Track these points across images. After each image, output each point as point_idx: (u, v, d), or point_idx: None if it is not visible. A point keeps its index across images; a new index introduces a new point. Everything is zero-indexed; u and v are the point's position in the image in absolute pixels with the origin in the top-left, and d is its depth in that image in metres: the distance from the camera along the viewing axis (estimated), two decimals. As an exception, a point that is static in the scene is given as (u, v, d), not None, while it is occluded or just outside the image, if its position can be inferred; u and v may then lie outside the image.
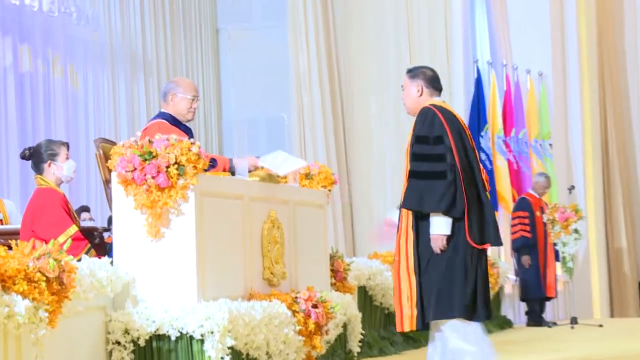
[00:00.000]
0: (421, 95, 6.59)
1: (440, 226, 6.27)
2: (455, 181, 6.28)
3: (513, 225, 13.31)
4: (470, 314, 6.29)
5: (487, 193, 6.52)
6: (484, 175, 6.51)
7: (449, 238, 6.28)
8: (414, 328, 6.31)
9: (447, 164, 6.32)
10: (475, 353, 6.29)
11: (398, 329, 6.37)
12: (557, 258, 13.11)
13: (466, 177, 6.35)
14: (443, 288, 6.27)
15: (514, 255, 13.28)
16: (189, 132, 6.97)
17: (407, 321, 6.31)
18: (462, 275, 6.29)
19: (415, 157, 6.41)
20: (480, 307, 6.32)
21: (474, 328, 6.35)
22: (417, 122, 6.47)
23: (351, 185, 14.83)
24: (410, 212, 6.38)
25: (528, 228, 13.03)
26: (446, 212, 6.24)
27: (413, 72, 6.68)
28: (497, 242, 6.51)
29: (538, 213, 13.07)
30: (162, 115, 7.07)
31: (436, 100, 6.59)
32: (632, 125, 18.38)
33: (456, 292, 6.27)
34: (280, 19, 15.76)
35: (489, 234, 6.43)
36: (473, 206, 6.37)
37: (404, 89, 6.70)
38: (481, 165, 6.55)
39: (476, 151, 6.57)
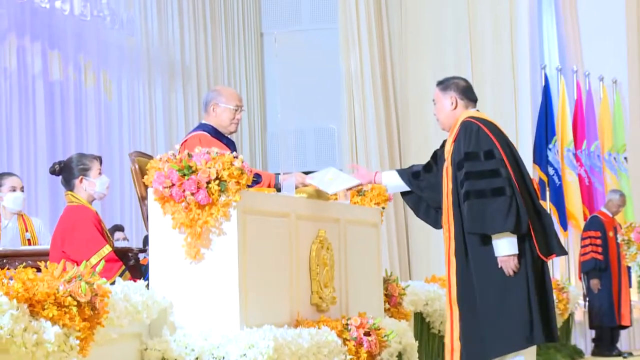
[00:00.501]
0: (455, 108, 6.70)
1: (508, 246, 6.31)
2: (515, 195, 6.31)
3: (583, 247, 13.22)
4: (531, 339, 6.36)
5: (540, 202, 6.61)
6: (536, 185, 6.65)
7: (519, 257, 6.32)
8: None
9: (503, 178, 6.37)
10: None
11: None
12: (631, 283, 13.01)
13: (522, 189, 6.39)
14: (501, 320, 6.34)
15: (584, 279, 13.19)
16: (231, 145, 6.99)
17: (456, 355, 6.42)
18: (525, 298, 6.34)
19: (468, 175, 6.44)
20: (540, 327, 6.33)
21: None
22: (462, 138, 6.53)
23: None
24: (452, 237, 6.49)
25: (600, 249, 12.95)
26: (514, 230, 6.26)
27: (444, 84, 6.79)
28: (562, 252, 6.59)
29: (611, 233, 12.98)
30: (202, 127, 7.10)
31: (473, 112, 6.68)
32: None
33: (517, 321, 6.33)
34: (330, 21, 15.80)
35: (553, 244, 6.48)
36: (533, 219, 6.41)
37: (435, 102, 6.79)
38: (531, 176, 6.65)
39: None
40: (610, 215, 13.29)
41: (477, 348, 6.42)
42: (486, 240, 6.40)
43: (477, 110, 6.75)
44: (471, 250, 6.45)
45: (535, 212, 6.48)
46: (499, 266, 6.36)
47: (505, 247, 6.32)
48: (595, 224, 13.19)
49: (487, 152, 6.46)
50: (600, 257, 12.93)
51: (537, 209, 6.50)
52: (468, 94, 6.76)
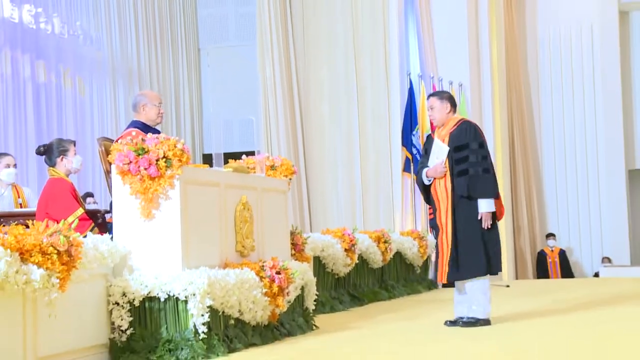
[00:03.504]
0: (449, 112, 7.19)
1: (488, 206, 6.98)
2: (494, 172, 7.07)
3: (430, 208, 13.28)
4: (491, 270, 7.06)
5: None
6: None
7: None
8: (445, 281, 7.12)
9: (489, 161, 7.04)
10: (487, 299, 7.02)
11: (438, 280, 7.14)
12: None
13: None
14: (484, 253, 6.98)
15: (432, 232, 13.27)
16: (157, 134, 6.87)
17: (443, 276, 7.05)
18: (496, 240, 7.05)
19: (467, 158, 6.99)
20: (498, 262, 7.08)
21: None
22: (463, 131, 7.05)
23: (308, 175, 14.82)
24: (449, 199, 7.00)
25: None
26: (496, 196, 7.01)
27: (440, 96, 7.37)
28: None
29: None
30: (134, 123, 6.93)
31: (460, 116, 7.31)
32: (533, 126, 18.55)
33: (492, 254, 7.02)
34: (250, 39, 15.76)
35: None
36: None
37: (432, 108, 7.28)
38: None
39: None
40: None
41: (457, 271, 7.03)
42: (470, 202, 6.97)
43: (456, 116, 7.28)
44: (458, 209, 7.01)
45: None
46: (479, 218, 6.94)
47: (487, 206, 6.97)
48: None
49: (480, 143, 7.03)
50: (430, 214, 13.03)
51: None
52: (455, 104, 7.29)
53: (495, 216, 7.06)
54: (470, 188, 6.95)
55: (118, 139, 6.71)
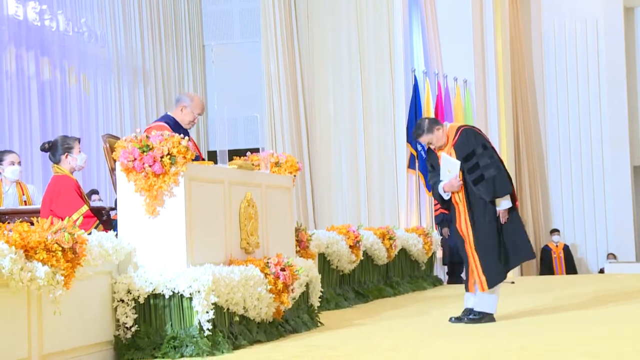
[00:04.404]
0: (442, 130, 7.13)
1: (506, 203, 7.06)
2: (504, 169, 7.10)
3: (435, 204, 13.29)
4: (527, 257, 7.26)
5: None
6: None
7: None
8: (488, 288, 7.03)
9: (495, 160, 7.07)
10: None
11: (480, 290, 7.06)
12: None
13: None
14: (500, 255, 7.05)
15: (438, 228, 13.28)
16: (186, 134, 6.89)
17: (484, 285, 7.01)
18: (519, 228, 7.16)
19: (477, 165, 7.03)
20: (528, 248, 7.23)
21: None
22: (464, 139, 7.08)
23: (312, 171, 14.82)
24: (466, 208, 7.06)
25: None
26: (511, 192, 7.11)
27: (424, 130, 7.16)
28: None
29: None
30: (166, 117, 7.01)
31: (454, 124, 7.43)
32: (537, 122, 18.54)
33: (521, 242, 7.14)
34: (255, 37, 15.75)
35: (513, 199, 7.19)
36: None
37: (431, 142, 7.31)
38: None
39: None
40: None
41: (495, 274, 7.03)
42: (486, 205, 7.03)
43: (452, 122, 7.62)
44: (476, 214, 7.06)
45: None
46: (497, 216, 7.02)
47: (505, 203, 7.04)
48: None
49: (483, 144, 7.09)
50: (446, 211, 13.01)
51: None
52: (436, 121, 7.29)
53: (513, 205, 7.17)
54: (492, 191, 7.03)
55: (149, 128, 6.72)
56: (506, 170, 7.16)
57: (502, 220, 7.04)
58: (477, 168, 7.04)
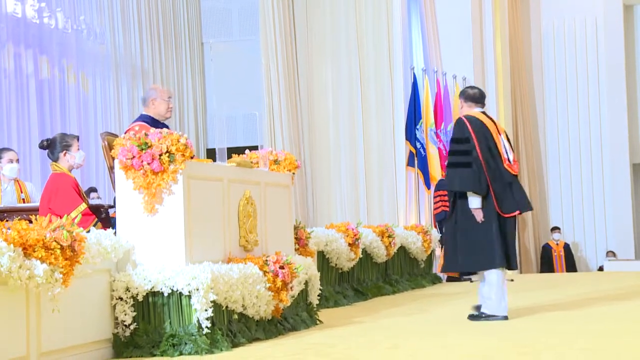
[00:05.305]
0: (462, 108, 7.32)
1: (474, 202, 6.99)
2: (479, 170, 6.96)
3: (435, 203, 13.28)
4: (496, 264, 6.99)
5: (513, 176, 7.16)
6: (506, 164, 7.12)
7: (483, 210, 6.99)
8: (441, 271, 7.47)
9: (473, 157, 6.99)
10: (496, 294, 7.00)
11: (441, 271, 7.49)
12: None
13: (491, 167, 7.00)
14: (481, 247, 6.99)
15: (437, 226, 13.25)
16: (166, 128, 6.89)
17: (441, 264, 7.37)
18: (494, 235, 6.97)
19: (450, 152, 7.19)
20: (501, 257, 6.97)
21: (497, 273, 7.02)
22: (453, 129, 7.25)
23: (312, 169, 14.82)
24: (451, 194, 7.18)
25: (447, 204, 13.01)
26: (475, 191, 6.97)
27: (460, 92, 7.44)
28: (526, 209, 7.21)
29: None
30: (142, 117, 7.01)
31: (473, 112, 7.23)
32: (536, 119, 18.54)
33: (489, 250, 6.99)
34: (254, 34, 15.73)
35: (510, 207, 7.05)
36: (500, 186, 7.03)
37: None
38: (505, 157, 7.14)
39: (500, 148, 7.15)
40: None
41: (454, 263, 7.17)
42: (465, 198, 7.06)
43: (481, 112, 7.26)
44: (459, 203, 7.11)
45: (505, 183, 7.06)
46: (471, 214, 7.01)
47: (473, 202, 6.99)
48: (444, 185, 13.24)
49: (465, 138, 7.05)
50: (448, 209, 12.99)
51: (505, 181, 7.07)
52: (471, 98, 7.28)
53: (483, 212, 7.02)
54: (449, 181, 7.20)
55: (128, 131, 6.71)
56: (479, 172, 7.02)
57: (477, 218, 7.00)
58: (455, 154, 7.13)
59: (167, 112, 7.02)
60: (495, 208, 7.00)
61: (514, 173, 7.16)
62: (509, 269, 7.18)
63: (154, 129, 6.00)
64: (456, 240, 7.12)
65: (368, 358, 5.39)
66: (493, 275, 7.02)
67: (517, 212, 7.12)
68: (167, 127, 6.95)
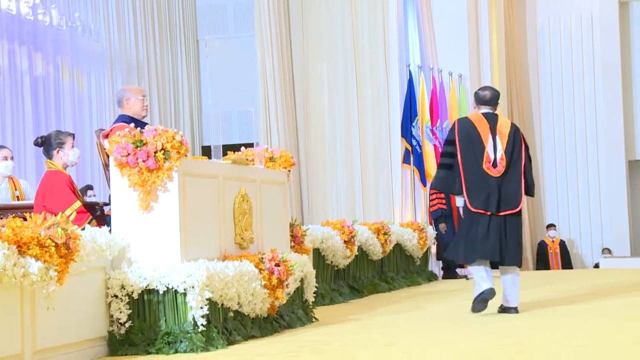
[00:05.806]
0: (474, 109, 7.50)
1: (458, 200, 7.34)
2: (457, 170, 7.14)
3: (431, 200, 13.27)
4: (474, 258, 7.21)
5: (493, 176, 7.22)
6: (486, 166, 7.22)
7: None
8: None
9: (453, 159, 7.20)
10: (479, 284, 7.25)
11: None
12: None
13: (469, 167, 7.15)
14: (465, 242, 7.24)
15: (433, 223, 13.24)
16: (144, 127, 6.87)
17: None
18: (472, 231, 7.18)
19: (440, 154, 7.51)
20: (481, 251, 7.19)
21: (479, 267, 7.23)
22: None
23: (307, 166, 14.81)
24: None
25: (444, 201, 13.01)
26: (454, 193, 7.31)
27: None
28: (491, 210, 7.22)
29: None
30: (121, 118, 7.00)
31: (472, 113, 7.46)
32: (532, 116, 18.55)
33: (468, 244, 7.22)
34: (249, 31, 15.72)
35: (477, 204, 7.18)
36: (473, 184, 7.16)
37: None
38: (491, 158, 7.24)
39: (486, 149, 7.25)
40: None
41: (451, 249, 7.54)
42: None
43: (485, 112, 7.39)
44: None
45: (483, 183, 7.17)
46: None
47: (457, 201, 7.35)
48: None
49: (450, 140, 7.29)
50: (444, 206, 12.99)
51: (485, 181, 7.17)
52: (479, 100, 7.43)
53: (465, 210, 7.30)
54: (434, 181, 7.57)
55: (107, 134, 6.71)
56: (447, 173, 7.26)
57: (461, 215, 7.41)
58: (441, 155, 7.44)
59: (143, 111, 7.03)
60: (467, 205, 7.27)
61: (493, 175, 7.22)
62: (501, 265, 7.39)
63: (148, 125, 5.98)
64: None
65: (364, 355, 5.38)
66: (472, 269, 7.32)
67: (482, 210, 7.20)
68: (145, 124, 6.93)
